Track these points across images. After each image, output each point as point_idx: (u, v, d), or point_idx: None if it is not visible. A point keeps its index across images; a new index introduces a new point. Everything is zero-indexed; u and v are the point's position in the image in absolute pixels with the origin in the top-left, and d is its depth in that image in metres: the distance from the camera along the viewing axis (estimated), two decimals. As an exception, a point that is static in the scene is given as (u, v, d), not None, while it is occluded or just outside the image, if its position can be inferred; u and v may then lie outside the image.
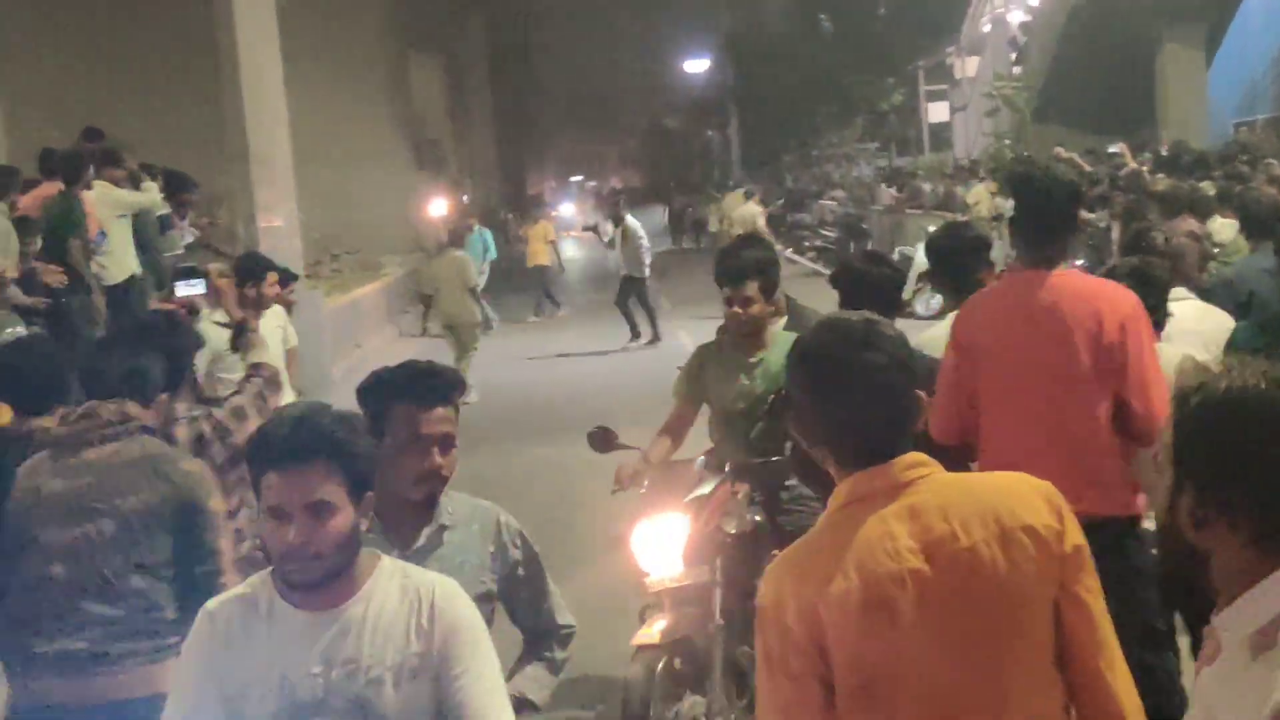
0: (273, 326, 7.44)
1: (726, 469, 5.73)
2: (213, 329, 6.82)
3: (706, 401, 6.03)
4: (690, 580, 5.49)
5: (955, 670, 2.55)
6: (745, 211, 27.58)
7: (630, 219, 21.49)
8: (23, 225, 10.57)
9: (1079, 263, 11.19)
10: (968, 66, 36.21)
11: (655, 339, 20.40)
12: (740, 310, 5.72)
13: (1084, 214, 19.06)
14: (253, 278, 7.09)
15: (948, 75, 38.03)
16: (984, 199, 22.37)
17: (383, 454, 3.30)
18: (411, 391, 3.63)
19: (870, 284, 5.35)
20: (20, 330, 9.41)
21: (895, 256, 22.22)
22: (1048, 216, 4.79)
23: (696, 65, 59.53)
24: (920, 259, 20.54)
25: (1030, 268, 4.81)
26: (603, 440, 6.10)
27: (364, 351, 20.57)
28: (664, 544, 5.61)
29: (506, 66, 60.35)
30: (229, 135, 16.30)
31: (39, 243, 10.66)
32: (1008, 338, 4.70)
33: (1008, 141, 28.21)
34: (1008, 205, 20.12)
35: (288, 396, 6.59)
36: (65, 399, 4.66)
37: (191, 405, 4.97)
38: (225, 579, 4.04)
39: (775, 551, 4.35)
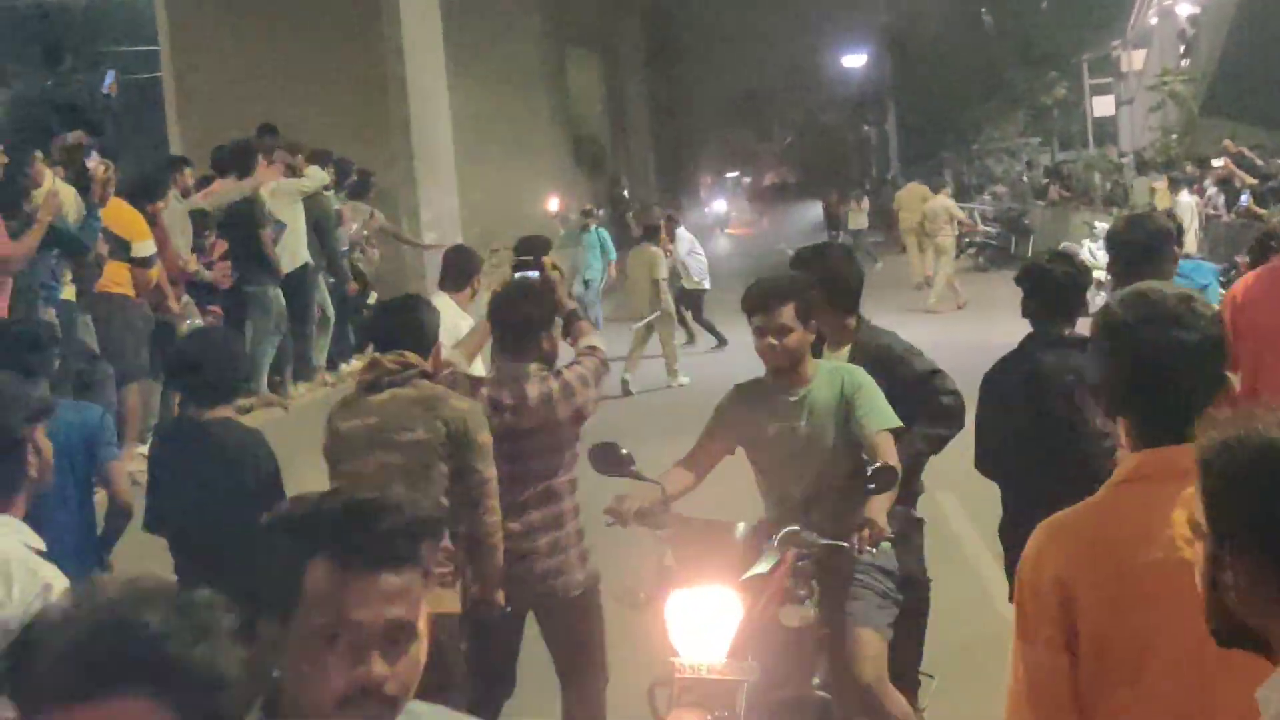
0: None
1: (777, 540, 4.75)
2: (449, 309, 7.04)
3: (744, 447, 5.29)
4: (733, 675, 4.45)
5: (1208, 660, 2.40)
6: (938, 204, 25.49)
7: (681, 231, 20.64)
8: (199, 218, 10.91)
9: (1243, 259, 10.86)
10: (1134, 60, 35.37)
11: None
12: (775, 341, 4.99)
13: (1256, 209, 18.64)
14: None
15: (1113, 69, 37.19)
16: (1162, 192, 21.77)
17: (292, 654, 2.07)
18: (340, 541, 2.07)
19: (1054, 283, 5.17)
20: (198, 322, 9.72)
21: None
22: None
23: (854, 60, 59.07)
24: (1091, 255, 20.17)
25: None
26: (608, 461, 5.02)
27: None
28: (707, 625, 4.54)
29: (662, 63, 60.50)
30: (394, 133, 16.55)
31: (213, 235, 10.98)
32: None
33: (1174, 136, 27.56)
34: (1180, 200, 19.71)
35: None
36: (243, 389, 5.03)
37: (541, 366, 5.38)
38: (490, 502, 5.00)
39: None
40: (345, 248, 13.60)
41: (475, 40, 27.78)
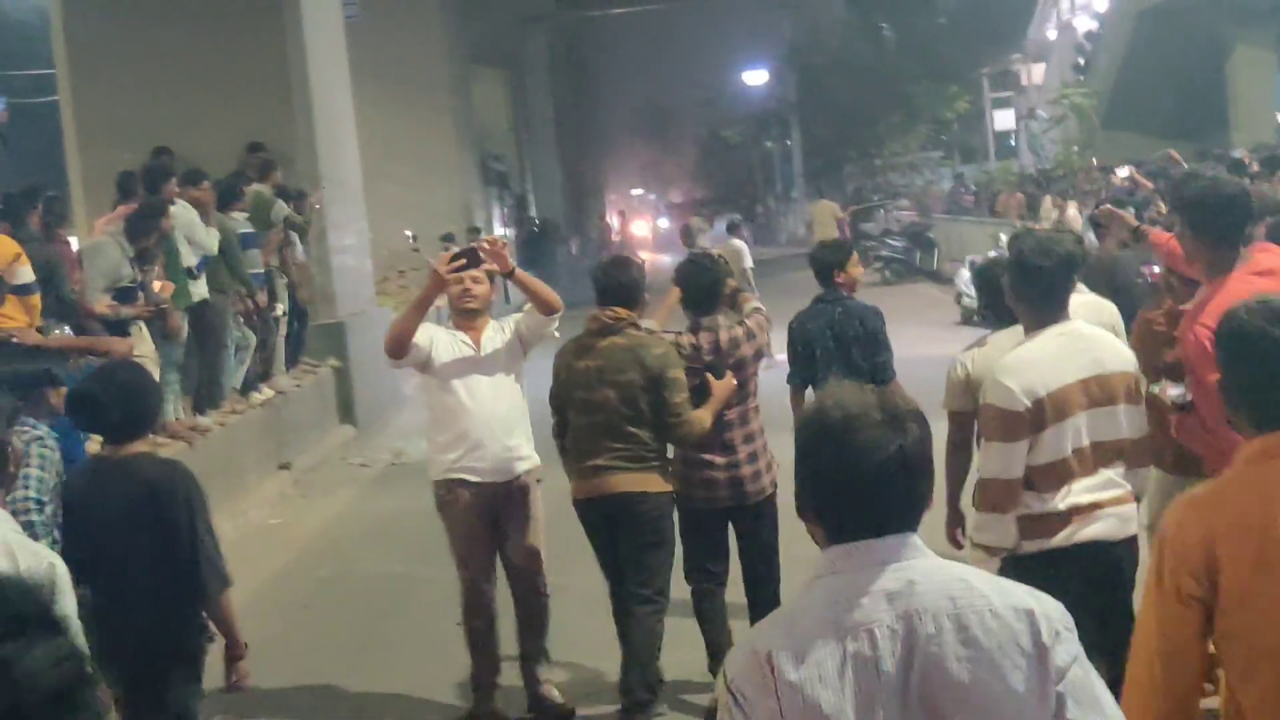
0: None
1: None
2: None
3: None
4: None
5: None
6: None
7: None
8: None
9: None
10: (1033, 74, 35.87)
11: None
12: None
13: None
14: None
15: (1013, 82, 37.69)
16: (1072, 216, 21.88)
17: None
18: None
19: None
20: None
21: (966, 266, 22.06)
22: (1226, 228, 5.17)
23: (756, 76, 59.34)
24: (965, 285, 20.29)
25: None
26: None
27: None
28: None
29: (569, 81, 60.40)
30: (300, 155, 16.34)
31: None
32: None
33: (1076, 149, 27.93)
34: (1069, 214, 19.87)
35: None
36: (155, 422, 4.95)
37: (728, 315, 6.96)
38: (686, 416, 6.43)
39: None
40: (259, 270, 13.44)
41: (381, 60, 27.55)
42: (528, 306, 6.94)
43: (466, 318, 6.90)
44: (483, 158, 37.80)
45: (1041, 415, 4.75)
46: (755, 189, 65.66)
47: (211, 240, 12.01)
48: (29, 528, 5.05)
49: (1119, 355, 5.00)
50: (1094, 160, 26.64)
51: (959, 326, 20.63)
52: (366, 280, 19.01)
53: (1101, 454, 4.86)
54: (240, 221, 13.16)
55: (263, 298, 13.32)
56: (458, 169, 32.97)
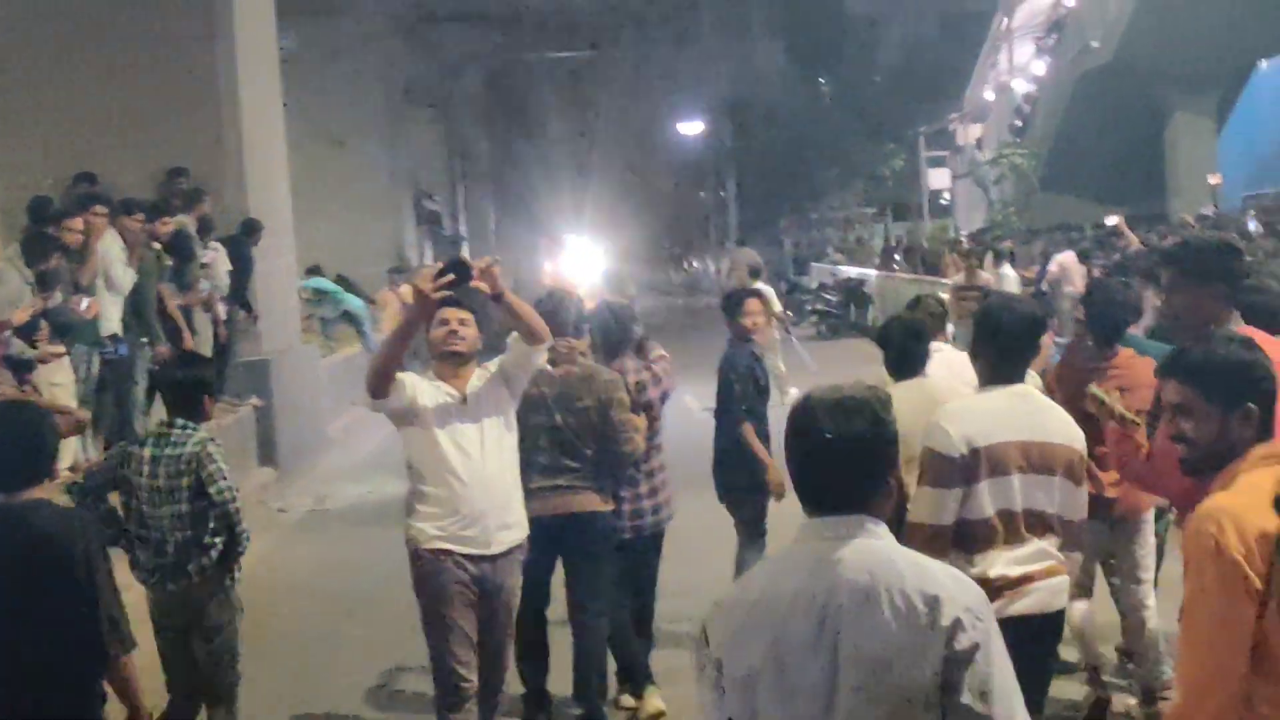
0: None
1: None
2: None
3: None
4: None
5: None
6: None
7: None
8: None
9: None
10: (970, 133, 35.98)
11: None
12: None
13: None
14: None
15: (949, 141, 37.81)
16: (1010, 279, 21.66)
17: None
18: None
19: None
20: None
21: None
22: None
23: (691, 128, 59.34)
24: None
25: None
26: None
27: (358, 411, 20.09)
28: None
29: (504, 123, 60.13)
30: (228, 188, 15.90)
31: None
32: None
33: (1012, 209, 27.93)
34: (1004, 274, 19.61)
35: None
36: (47, 471, 5.02)
37: (634, 359, 7.39)
38: (632, 437, 6.86)
39: None
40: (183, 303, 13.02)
41: (315, 96, 27.26)
42: (513, 338, 6.23)
43: (450, 364, 6.16)
44: (416, 196, 37.45)
45: (976, 466, 4.75)
46: (690, 238, 65.62)
47: (126, 280, 11.57)
48: None
49: (1068, 430, 4.93)
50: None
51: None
52: (293, 317, 18.54)
53: (1034, 523, 4.83)
54: (162, 255, 12.70)
55: (188, 339, 12.85)
56: (390, 207, 32.63)
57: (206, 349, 13.84)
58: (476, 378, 6.17)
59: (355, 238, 27.90)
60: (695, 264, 43.46)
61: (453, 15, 43.95)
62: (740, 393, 8.18)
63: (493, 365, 6.26)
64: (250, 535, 6.36)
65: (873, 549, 2.92)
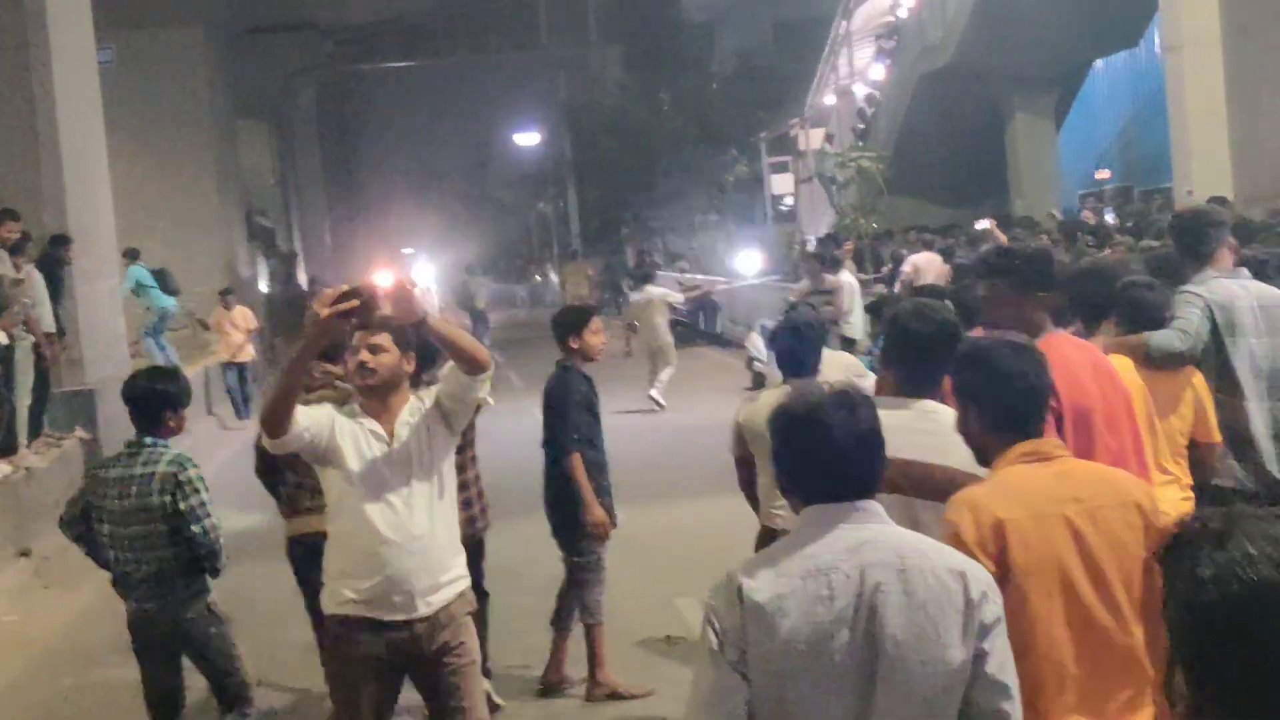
0: None
1: None
2: None
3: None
4: None
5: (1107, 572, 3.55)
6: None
7: None
8: None
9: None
10: (812, 139, 35.93)
11: None
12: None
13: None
14: None
15: (791, 147, 37.72)
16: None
17: None
18: None
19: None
20: None
21: (758, 331, 21.52)
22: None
23: (528, 138, 58.79)
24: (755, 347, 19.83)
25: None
26: None
27: (192, 441, 19.08)
28: None
29: (339, 136, 59.07)
30: (47, 205, 15.02)
31: None
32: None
33: (850, 218, 27.73)
34: (842, 280, 19.29)
35: None
36: None
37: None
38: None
39: None
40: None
41: (139, 110, 26.34)
42: (448, 368, 5.38)
43: (374, 398, 5.31)
44: (248, 212, 36.38)
45: None
46: (531, 250, 65.16)
47: None
48: None
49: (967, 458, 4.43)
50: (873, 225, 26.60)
51: (752, 393, 20.00)
52: (120, 343, 17.57)
53: None
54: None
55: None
56: (220, 224, 31.69)
57: (27, 376, 12.96)
58: (409, 411, 5.32)
59: (184, 256, 26.91)
60: (538, 276, 43.11)
61: (281, 25, 42.99)
62: (573, 422, 7.72)
63: (429, 394, 5.42)
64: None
65: (891, 531, 3.14)
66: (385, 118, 65.76)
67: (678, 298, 21.67)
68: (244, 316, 22.88)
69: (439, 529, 5.32)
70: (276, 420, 5.05)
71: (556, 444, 7.76)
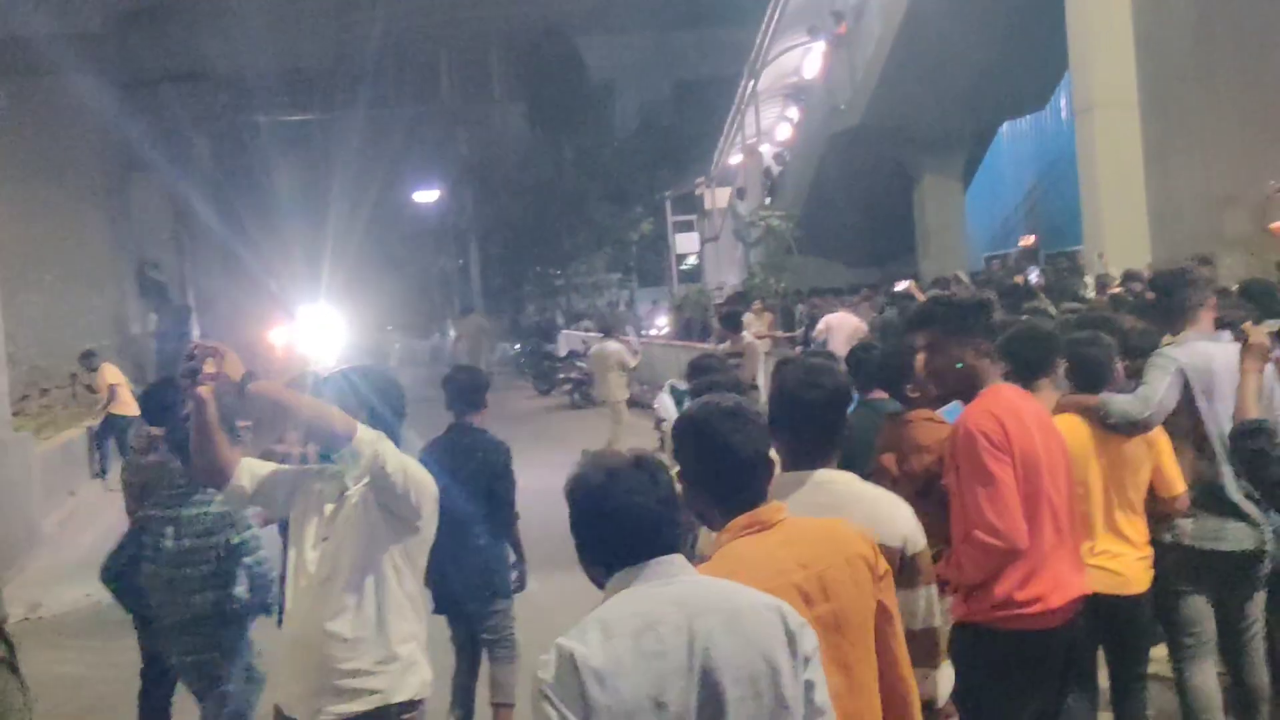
0: None
1: None
2: None
3: None
4: None
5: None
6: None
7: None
8: None
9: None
10: (717, 198, 35.76)
11: None
12: None
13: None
14: None
15: (697, 206, 37.56)
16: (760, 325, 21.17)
17: None
18: None
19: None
20: None
21: (666, 391, 21.06)
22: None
23: (428, 195, 58.21)
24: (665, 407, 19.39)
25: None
26: None
27: (78, 501, 18.23)
28: None
29: (237, 188, 58.16)
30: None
31: None
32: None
33: (759, 277, 27.48)
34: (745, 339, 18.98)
35: None
36: None
37: None
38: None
39: None
40: None
41: (28, 157, 25.56)
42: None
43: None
44: (140, 265, 35.47)
45: None
46: (432, 306, 64.62)
47: None
48: None
49: (890, 526, 3.98)
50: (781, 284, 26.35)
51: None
52: (1, 400, 16.67)
53: None
54: None
55: None
56: (111, 277, 30.88)
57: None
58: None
59: (71, 310, 25.99)
60: (438, 333, 42.63)
61: (174, 75, 42.14)
62: (507, 494, 7.36)
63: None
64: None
65: (704, 579, 3.16)
66: (285, 170, 64.85)
67: (630, 361, 21.04)
68: (111, 373, 21.84)
69: (364, 623, 4.60)
70: (209, 469, 4.68)
71: (505, 513, 7.35)
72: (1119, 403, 5.80)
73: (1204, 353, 6.04)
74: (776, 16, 31.57)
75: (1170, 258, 16.38)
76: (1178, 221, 16.91)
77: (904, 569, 3.96)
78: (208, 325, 45.45)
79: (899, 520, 4.06)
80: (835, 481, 4.05)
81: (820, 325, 19.39)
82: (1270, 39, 16.04)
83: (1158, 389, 5.87)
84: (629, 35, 50.22)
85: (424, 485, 4.63)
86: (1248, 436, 4.97)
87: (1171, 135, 16.75)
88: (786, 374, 4.34)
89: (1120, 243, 18.06)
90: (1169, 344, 6.22)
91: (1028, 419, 4.76)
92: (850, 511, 3.93)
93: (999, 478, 4.60)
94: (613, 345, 20.89)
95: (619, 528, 3.11)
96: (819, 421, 4.14)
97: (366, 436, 4.45)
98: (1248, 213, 15.20)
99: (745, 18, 33.10)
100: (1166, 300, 6.36)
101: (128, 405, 21.16)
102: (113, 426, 21.01)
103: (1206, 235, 15.25)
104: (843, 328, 18.65)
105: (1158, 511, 5.91)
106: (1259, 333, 5.33)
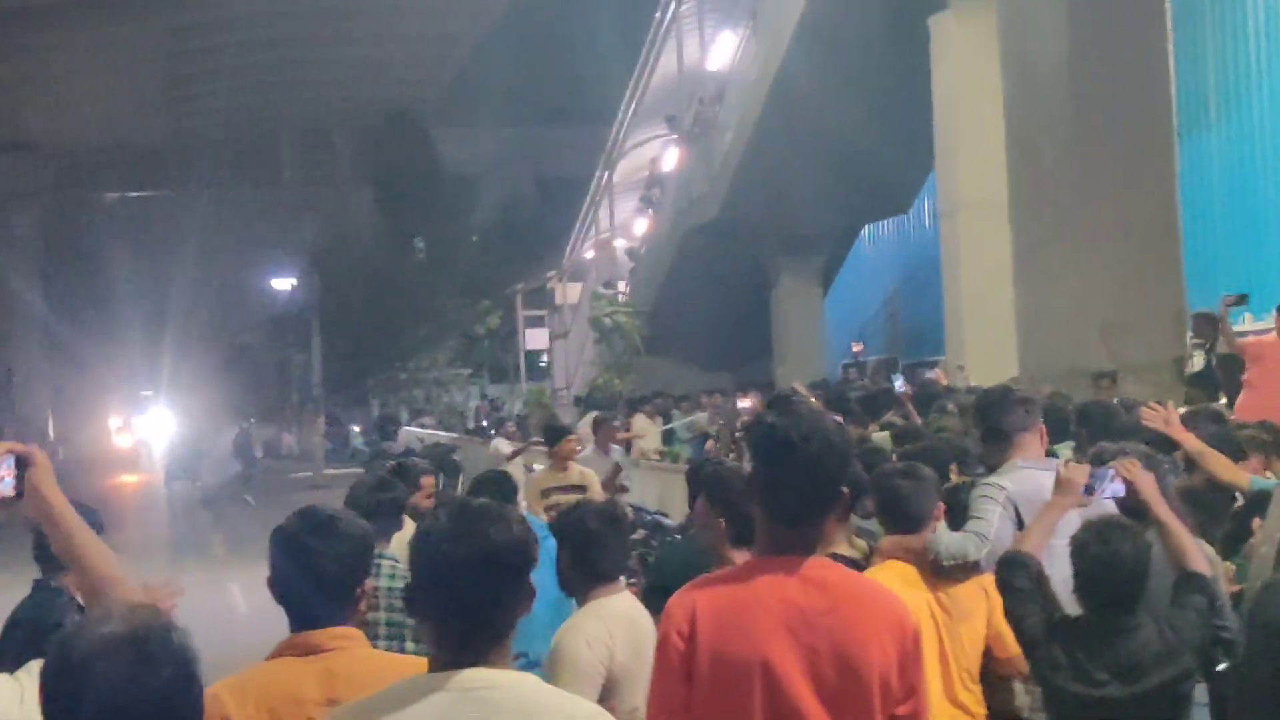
0: None
1: None
2: None
3: None
4: None
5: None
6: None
7: None
8: None
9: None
10: (569, 293, 34.54)
11: None
12: None
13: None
14: None
15: (548, 301, 36.32)
16: (650, 430, 19.76)
17: None
18: None
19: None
20: None
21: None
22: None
23: (283, 283, 56.27)
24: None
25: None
26: None
27: None
28: None
29: (65, 268, 55.77)
30: None
31: None
32: None
33: (604, 378, 26.11)
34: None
35: None
36: None
37: None
38: None
39: None
40: None
41: None
42: None
43: None
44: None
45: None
46: (272, 398, 62.37)
47: None
48: None
49: None
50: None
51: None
52: None
53: None
54: None
55: None
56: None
57: None
58: None
59: None
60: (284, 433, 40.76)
61: (-7, 145, 39.91)
62: None
63: None
64: None
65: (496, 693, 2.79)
66: (120, 250, 62.31)
67: (506, 450, 19.81)
68: None
69: None
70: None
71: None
72: (952, 543, 5.14)
73: (1033, 481, 5.36)
74: (633, 108, 30.59)
75: (1043, 369, 14.95)
76: (1049, 333, 15.48)
77: None
78: (28, 410, 43.08)
79: None
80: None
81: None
82: (1148, 143, 14.86)
83: (991, 521, 5.24)
84: (490, 128, 49.36)
85: None
86: (1003, 566, 4.78)
87: (1045, 239, 15.37)
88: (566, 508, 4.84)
89: (984, 354, 16.94)
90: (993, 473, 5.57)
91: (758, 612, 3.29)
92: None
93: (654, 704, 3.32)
94: (503, 445, 20.00)
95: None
96: (589, 549, 4.56)
97: None
98: (1135, 337, 13.85)
99: (612, 117, 32.18)
100: (991, 423, 5.65)
101: None
102: None
103: (1084, 348, 13.89)
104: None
105: (992, 674, 5.14)
106: (1078, 470, 5.03)
